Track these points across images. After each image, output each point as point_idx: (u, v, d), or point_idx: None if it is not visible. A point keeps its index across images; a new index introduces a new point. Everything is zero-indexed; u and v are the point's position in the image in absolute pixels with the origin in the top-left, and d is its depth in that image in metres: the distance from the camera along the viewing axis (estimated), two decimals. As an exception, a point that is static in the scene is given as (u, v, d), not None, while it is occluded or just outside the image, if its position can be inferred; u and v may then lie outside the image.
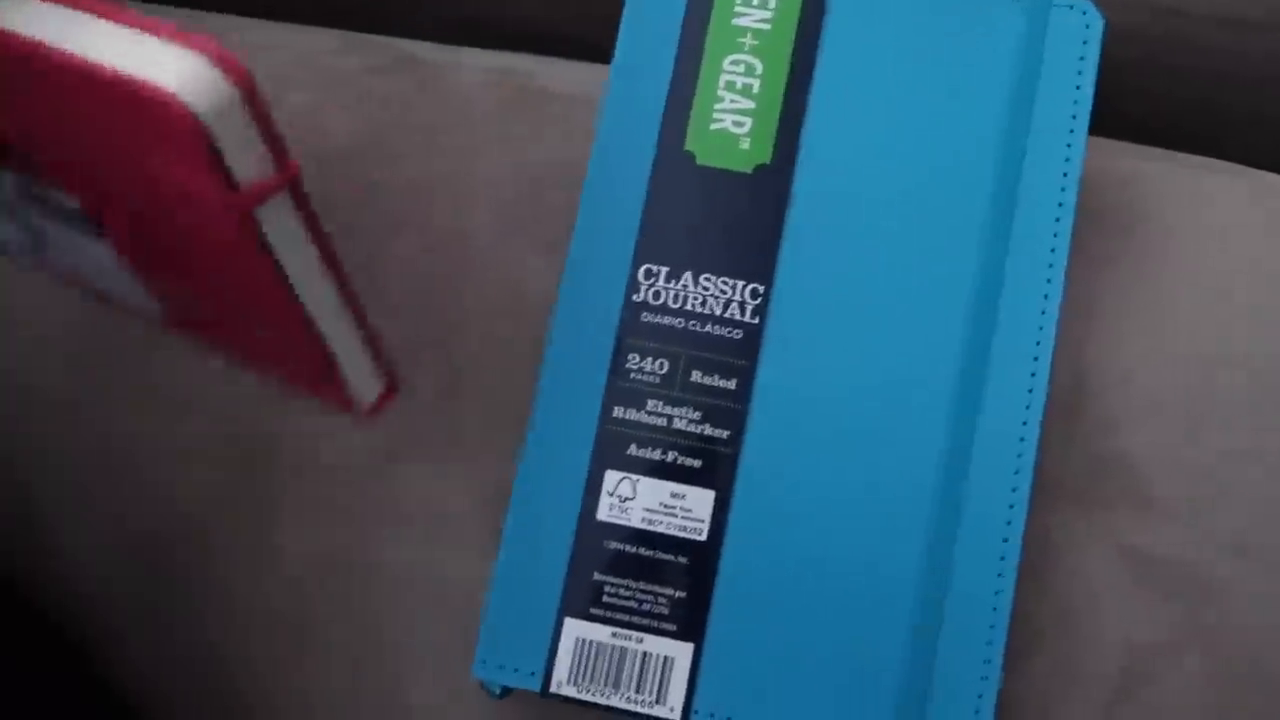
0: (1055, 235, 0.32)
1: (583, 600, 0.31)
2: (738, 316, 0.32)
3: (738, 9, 0.33)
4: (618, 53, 0.34)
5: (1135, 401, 0.34)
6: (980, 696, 0.30)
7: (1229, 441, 0.34)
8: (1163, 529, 0.34)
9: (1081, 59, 0.32)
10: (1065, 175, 0.32)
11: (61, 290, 0.36)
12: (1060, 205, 0.32)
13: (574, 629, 0.31)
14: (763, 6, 0.33)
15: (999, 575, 0.30)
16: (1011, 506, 0.31)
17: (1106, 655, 0.33)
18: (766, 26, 0.33)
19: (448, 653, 0.34)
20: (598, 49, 0.46)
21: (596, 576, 0.31)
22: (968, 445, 0.31)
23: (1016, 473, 0.31)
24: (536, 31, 0.45)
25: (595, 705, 0.31)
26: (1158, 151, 0.38)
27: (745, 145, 0.33)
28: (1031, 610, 0.33)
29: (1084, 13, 0.32)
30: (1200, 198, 0.36)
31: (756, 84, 0.33)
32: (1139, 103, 0.46)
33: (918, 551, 0.31)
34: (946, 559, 0.31)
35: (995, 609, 0.30)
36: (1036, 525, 0.34)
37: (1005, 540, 0.31)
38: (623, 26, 0.34)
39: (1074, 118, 0.32)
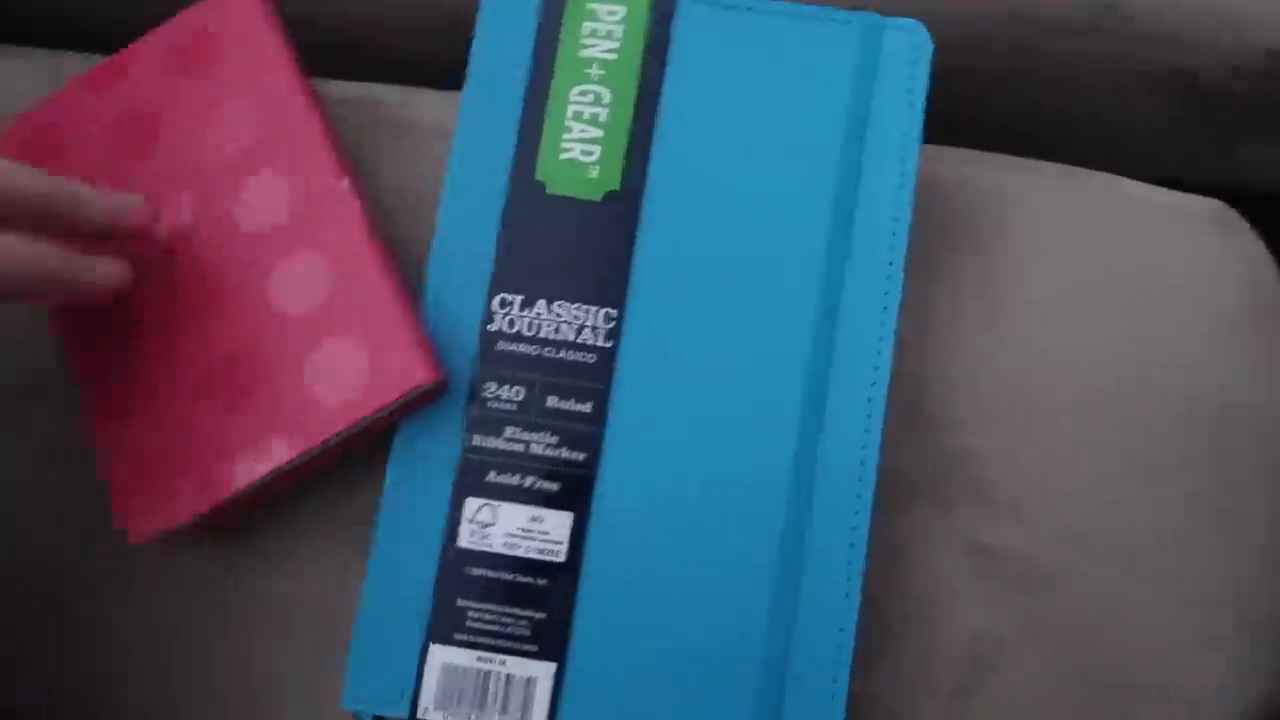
0: (892, 249, 0.33)
1: (447, 626, 0.32)
2: (591, 341, 0.33)
3: (584, 40, 0.34)
4: (467, 84, 0.34)
5: (975, 402, 0.36)
6: (832, 698, 0.31)
7: (1063, 437, 0.36)
8: (1004, 524, 0.35)
9: (912, 78, 0.34)
10: (900, 189, 0.33)
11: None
12: (895, 219, 0.33)
13: (439, 655, 0.32)
14: (609, 38, 0.34)
15: (847, 579, 0.32)
16: (856, 513, 0.32)
17: (955, 649, 0.35)
18: (613, 56, 0.34)
19: (318, 684, 0.34)
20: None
21: (460, 602, 0.32)
22: (813, 454, 0.32)
23: (860, 480, 0.32)
24: (411, 61, 0.46)
25: (462, 728, 0.31)
26: (995, 157, 0.39)
27: (594, 174, 0.34)
28: (883, 609, 0.35)
29: (913, 34, 0.34)
30: (1035, 201, 0.38)
31: (604, 113, 0.34)
32: (984, 111, 0.48)
33: (770, 561, 0.32)
34: (797, 566, 0.32)
35: (844, 611, 0.32)
36: (886, 526, 0.35)
37: (851, 545, 0.32)
38: (472, 58, 0.34)
39: (906, 134, 0.33)
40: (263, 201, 0.33)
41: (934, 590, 0.35)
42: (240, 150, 0.34)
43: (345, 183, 0.33)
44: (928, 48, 0.34)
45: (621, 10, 0.34)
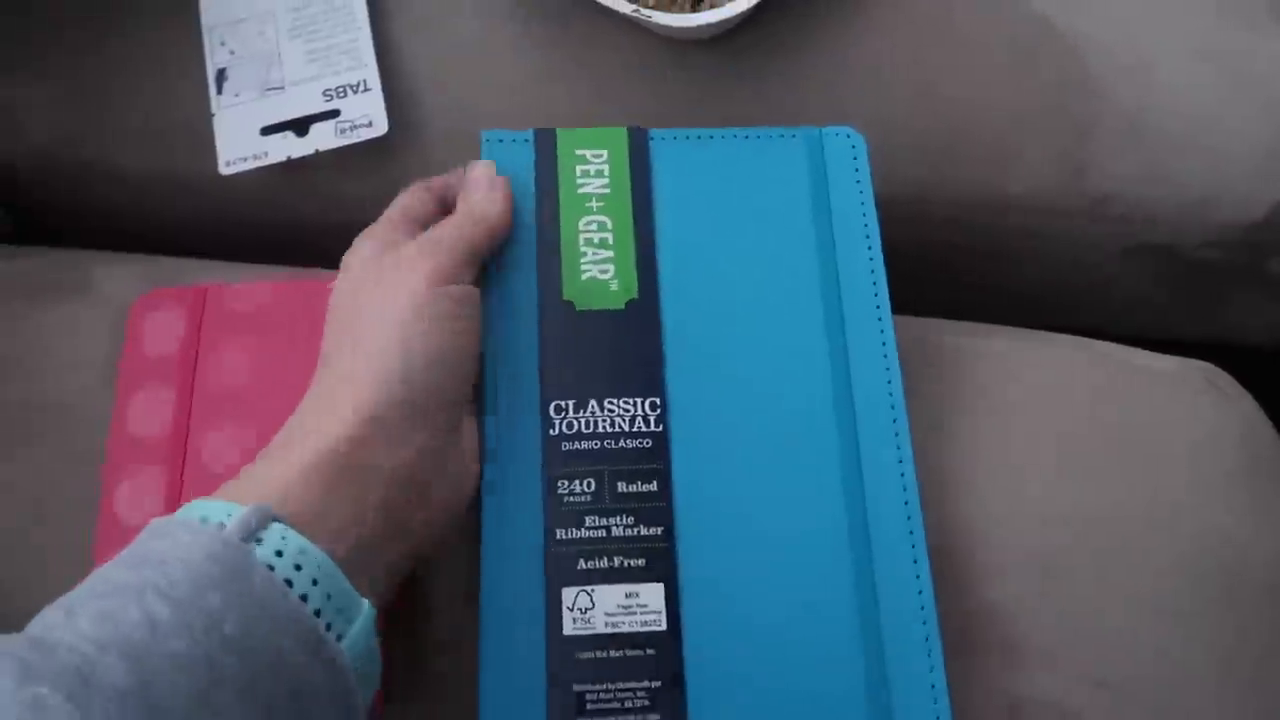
0: (877, 301, 0.38)
1: (569, 713, 0.33)
2: (644, 428, 0.36)
3: (579, 181, 0.39)
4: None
5: (996, 558, 0.38)
6: (936, 702, 0.34)
7: (1082, 589, 0.38)
8: (1035, 674, 0.37)
9: (857, 173, 0.40)
10: (871, 260, 0.39)
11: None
12: (874, 283, 0.39)
13: (567, 742, 0.33)
14: (599, 175, 0.40)
15: (920, 592, 0.35)
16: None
17: None
18: (606, 190, 0.39)
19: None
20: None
21: (576, 687, 0.33)
22: (861, 489, 0.36)
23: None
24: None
25: (604, 809, 0.32)
26: (1004, 329, 0.43)
27: (614, 287, 0.38)
28: None
29: (848, 135, 0.41)
30: (1040, 368, 0.41)
31: (611, 236, 0.39)
32: (980, 284, 0.52)
33: (848, 594, 0.35)
34: (872, 588, 0.35)
35: (925, 622, 0.35)
36: None
37: (914, 561, 0.35)
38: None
39: (865, 216, 0.40)
40: None
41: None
42: None
43: None
44: (863, 145, 0.41)
45: (605, 153, 0.40)
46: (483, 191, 0.38)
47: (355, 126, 0.45)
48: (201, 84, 0.47)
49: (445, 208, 0.39)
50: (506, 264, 0.38)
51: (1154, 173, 0.46)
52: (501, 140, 0.40)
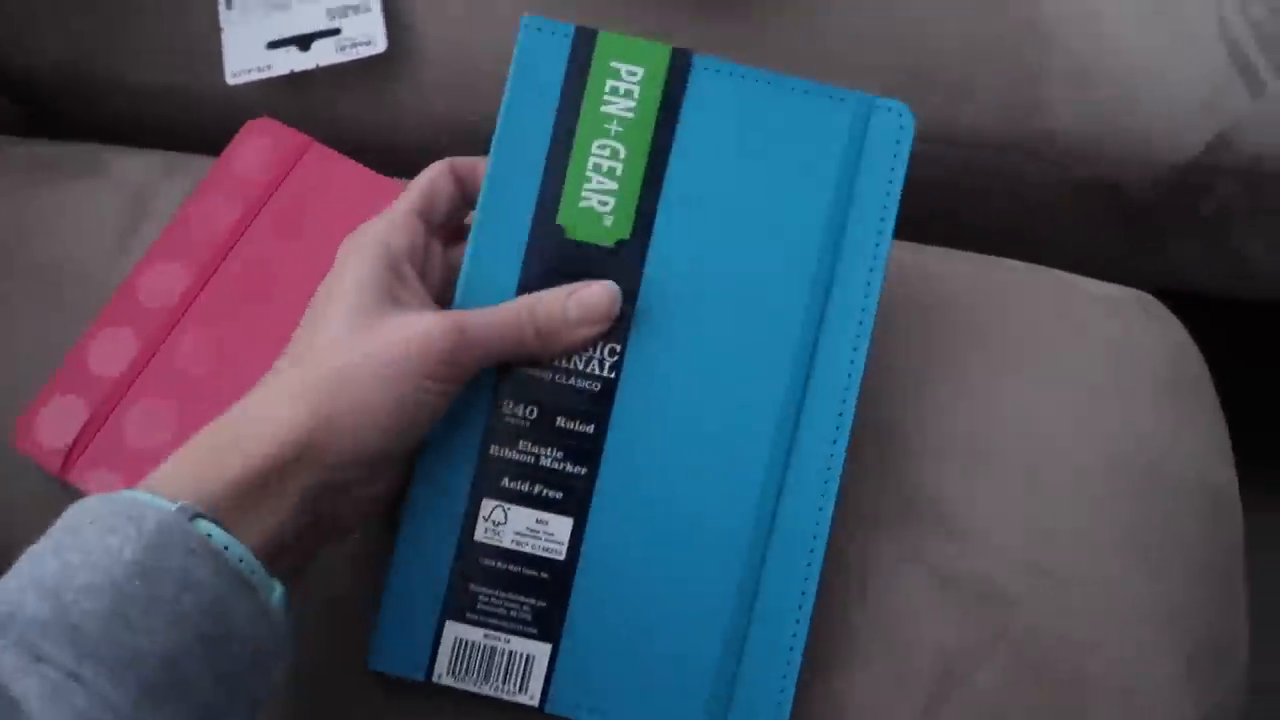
0: (866, 296, 0.37)
1: (461, 607, 0.37)
2: (597, 371, 0.38)
3: (606, 98, 0.38)
4: (499, 131, 0.38)
5: (935, 443, 0.41)
6: (781, 692, 0.37)
7: (1014, 478, 0.41)
8: (964, 550, 0.40)
9: (895, 155, 0.37)
10: (876, 248, 0.38)
11: None
12: (871, 269, 0.38)
13: (453, 630, 0.37)
14: (628, 96, 0.38)
15: (802, 594, 0.37)
16: (817, 523, 0.37)
17: (923, 662, 0.40)
18: (630, 114, 0.38)
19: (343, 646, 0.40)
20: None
21: (473, 587, 0.37)
22: (781, 482, 0.37)
23: (819, 509, 0.37)
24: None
25: (469, 692, 0.37)
26: (965, 254, 0.45)
27: (608, 223, 0.38)
28: (856, 625, 0.40)
29: (899, 114, 0.37)
30: (993, 286, 0.43)
31: (620, 167, 0.38)
32: (945, 216, 0.53)
33: (736, 572, 0.37)
34: (757, 577, 0.37)
35: (798, 621, 0.37)
36: (856, 550, 0.40)
37: (808, 565, 0.37)
38: (503, 109, 0.38)
39: (886, 201, 0.37)
40: None
41: (902, 609, 0.40)
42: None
43: None
44: (911, 127, 0.37)
45: (641, 71, 0.38)
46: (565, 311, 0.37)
47: (355, 44, 0.49)
48: (211, 1, 0.51)
49: (466, 195, 0.39)
50: (510, 171, 0.38)
51: (1099, 115, 0.50)
52: (540, 29, 0.38)
